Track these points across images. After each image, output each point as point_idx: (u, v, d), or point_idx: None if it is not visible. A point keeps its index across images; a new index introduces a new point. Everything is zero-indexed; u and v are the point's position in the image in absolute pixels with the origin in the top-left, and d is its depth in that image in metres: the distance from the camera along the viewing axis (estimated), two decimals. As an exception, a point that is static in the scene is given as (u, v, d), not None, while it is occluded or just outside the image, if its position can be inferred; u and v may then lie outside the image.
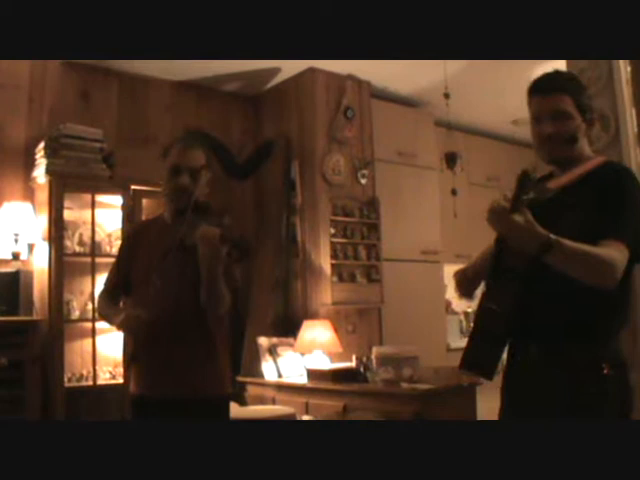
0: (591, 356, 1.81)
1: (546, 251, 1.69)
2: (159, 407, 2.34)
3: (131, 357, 2.59)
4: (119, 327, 2.45)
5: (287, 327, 4.92)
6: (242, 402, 4.70)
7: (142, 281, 2.45)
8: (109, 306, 2.59)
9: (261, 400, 4.67)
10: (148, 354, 2.41)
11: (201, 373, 2.40)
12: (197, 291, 2.36)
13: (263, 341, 4.78)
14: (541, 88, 1.96)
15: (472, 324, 1.99)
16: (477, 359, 1.95)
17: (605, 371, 1.79)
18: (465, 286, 2.08)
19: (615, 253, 1.73)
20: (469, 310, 6.55)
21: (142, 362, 2.46)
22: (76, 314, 4.28)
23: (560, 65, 3.23)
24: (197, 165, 2.52)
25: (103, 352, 4.29)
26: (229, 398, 2.58)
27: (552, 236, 1.69)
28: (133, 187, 4.43)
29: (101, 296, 2.68)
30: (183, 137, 2.59)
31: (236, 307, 4.85)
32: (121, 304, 2.67)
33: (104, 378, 4.26)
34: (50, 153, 4.14)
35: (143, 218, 4.38)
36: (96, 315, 4.10)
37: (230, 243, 2.25)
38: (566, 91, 1.92)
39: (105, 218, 4.51)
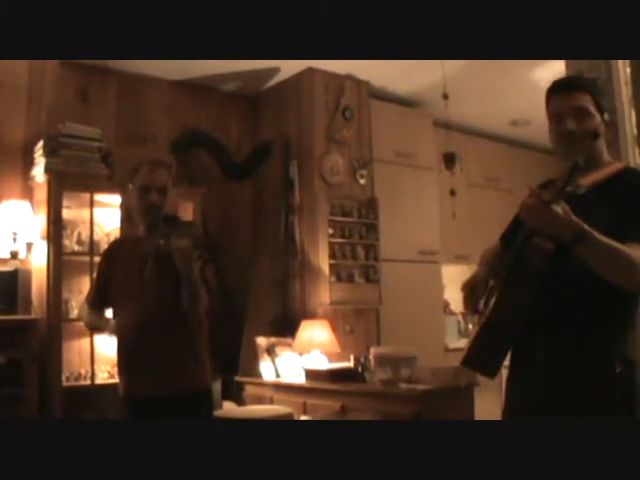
0: (603, 355, 1.82)
1: (579, 241, 1.70)
2: (147, 405, 2.56)
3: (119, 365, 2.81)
4: (111, 333, 2.77)
5: (285, 327, 4.92)
6: (240, 402, 4.70)
7: (123, 290, 2.74)
8: (96, 317, 2.91)
9: (259, 400, 4.67)
10: (134, 357, 2.65)
11: (184, 371, 2.64)
12: (175, 295, 2.59)
13: (261, 341, 4.78)
14: (563, 87, 2.00)
15: (482, 319, 1.97)
16: (483, 355, 1.94)
17: (617, 370, 1.80)
18: (475, 301, 2.08)
19: None
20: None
21: (129, 365, 2.69)
22: (74, 313, 4.27)
23: (559, 65, 3.24)
24: (164, 184, 2.78)
25: (101, 351, 4.28)
26: (210, 392, 2.81)
27: (587, 227, 1.70)
28: (130, 185, 4.41)
29: (86, 309, 2.97)
30: (148, 160, 2.92)
31: (230, 308, 4.91)
32: (105, 314, 2.92)
33: (102, 377, 4.25)
34: (49, 152, 4.13)
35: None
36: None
37: (200, 248, 2.58)
38: (587, 90, 1.97)
39: (104, 217, 4.51)
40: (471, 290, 2.10)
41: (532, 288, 1.86)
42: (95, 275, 3.06)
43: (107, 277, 2.84)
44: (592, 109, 1.94)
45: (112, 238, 4.41)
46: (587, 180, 1.90)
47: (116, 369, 4.18)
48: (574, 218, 1.71)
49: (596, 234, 1.70)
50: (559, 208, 1.71)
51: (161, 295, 2.63)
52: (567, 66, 3.16)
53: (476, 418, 3.87)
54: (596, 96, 1.97)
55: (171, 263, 2.55)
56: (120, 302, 2.76)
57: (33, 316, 4.05)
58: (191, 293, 2.58)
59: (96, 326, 3.01)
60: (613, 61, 3.03)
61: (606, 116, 1.98)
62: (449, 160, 5.07)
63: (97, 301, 2.89)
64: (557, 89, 2.01)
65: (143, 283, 2.64)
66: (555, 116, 1.99)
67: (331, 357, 4.65)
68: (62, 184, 4.13)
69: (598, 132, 1.93)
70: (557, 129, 1.98)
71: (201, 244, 2.60)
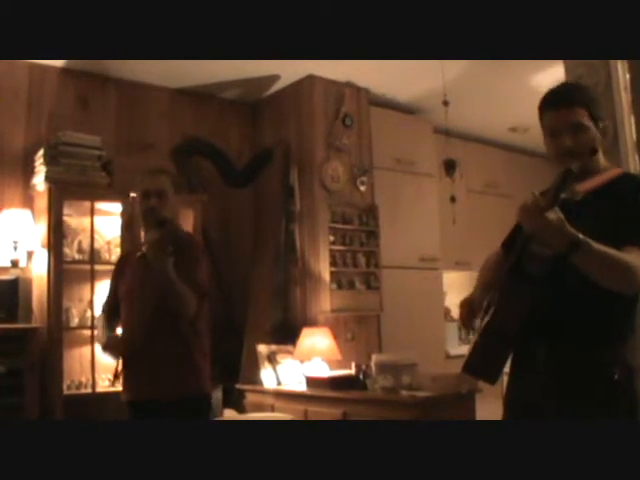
0: (602, 361, 1.82)
1: (574, 250, 1.70)
2: (144, 409, 2.65)
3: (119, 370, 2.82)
4: (104, 350, 2.78)
5: (286, 334, 4.91)
6: (241, 410, 4.69)
7: (123, 299, 2.81)
8: (101, 331, 2.86)
9: (260, 407, 4.65)
10: (130, 361, 2.72)
11: (176, 375, 2.64)
12: (163, 299, 2.60)
13: (262, 348, 4.76)
14: (556, 102, 1.95)
15: (483, 325, 1.96)
16: (483, 362, 1.94)
17: (617, 376, 1.80)
18: (471, 318, 2.07)
19: (638, 259, 1.74)
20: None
21: (126, 369, 2.75)
22: (75, 321, 4.28)
23: (558, 71, 3.24)
24: (162, 188, 2.78)
25: (102, 359, 4.27)
26: (208, 397, 2.81)
27: (581, 236, 1.70)
28: (132, 194, 4.42)
29: (99, 319, 2.95)
30: (149, 168, 3.01)
31: (230, 315, 4.90)
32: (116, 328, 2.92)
33: (103, 385, 4.24)
34: (49, 160, 4.14)
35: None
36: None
37: (169, 241, 2.51)
38: (581, 103, 1.93)
39: (104, 225, 4.51)
40: (469, 307, 2.09)
41: (531, 294, 1.86)
42: (110, 283, 3.08)
43: (117, 285, 2.90)
44: (588, 122, 1.91)
45: (112, 246, 4.42)
46: (584, 186, 1.89)
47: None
48: (568, 227, 1.71)
49: (591, 242, 1.70)
50: (554, 215, 1.71)
51: (150, 299, 2.65)
52: (567, 71, 3.16)
53: (478, 425, 3.86)
54: (591, 107, 1.93)
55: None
56: (122, 311, 2.82)
57: (34, 324, 4.06)
58: (169, 292, 2.56)
59: (100, 340, 2.90)
60: (612, 67, 3.03)
61: (601, 124, 1.96)
62: (449, 167, 5.07)
63: (110, 307, 2.90)
64: (551, 103, 1.97)
65: (135, 288, 2.72)
66: (551, 132, 1.96)
67: (332, 364, 4.64)
68: (62, 192, 4.14)
69: (595, 147, 1.90)
70: (554, 145, 1.96)
71: (175, 240, 2.56)
